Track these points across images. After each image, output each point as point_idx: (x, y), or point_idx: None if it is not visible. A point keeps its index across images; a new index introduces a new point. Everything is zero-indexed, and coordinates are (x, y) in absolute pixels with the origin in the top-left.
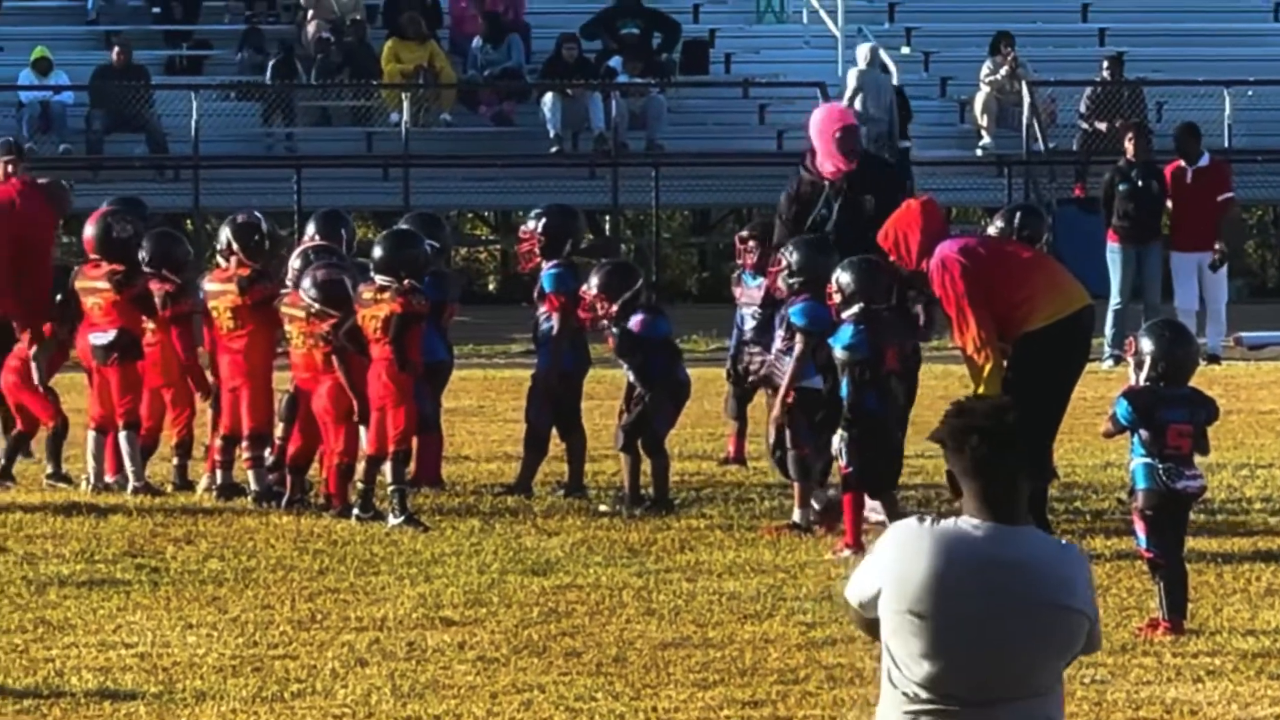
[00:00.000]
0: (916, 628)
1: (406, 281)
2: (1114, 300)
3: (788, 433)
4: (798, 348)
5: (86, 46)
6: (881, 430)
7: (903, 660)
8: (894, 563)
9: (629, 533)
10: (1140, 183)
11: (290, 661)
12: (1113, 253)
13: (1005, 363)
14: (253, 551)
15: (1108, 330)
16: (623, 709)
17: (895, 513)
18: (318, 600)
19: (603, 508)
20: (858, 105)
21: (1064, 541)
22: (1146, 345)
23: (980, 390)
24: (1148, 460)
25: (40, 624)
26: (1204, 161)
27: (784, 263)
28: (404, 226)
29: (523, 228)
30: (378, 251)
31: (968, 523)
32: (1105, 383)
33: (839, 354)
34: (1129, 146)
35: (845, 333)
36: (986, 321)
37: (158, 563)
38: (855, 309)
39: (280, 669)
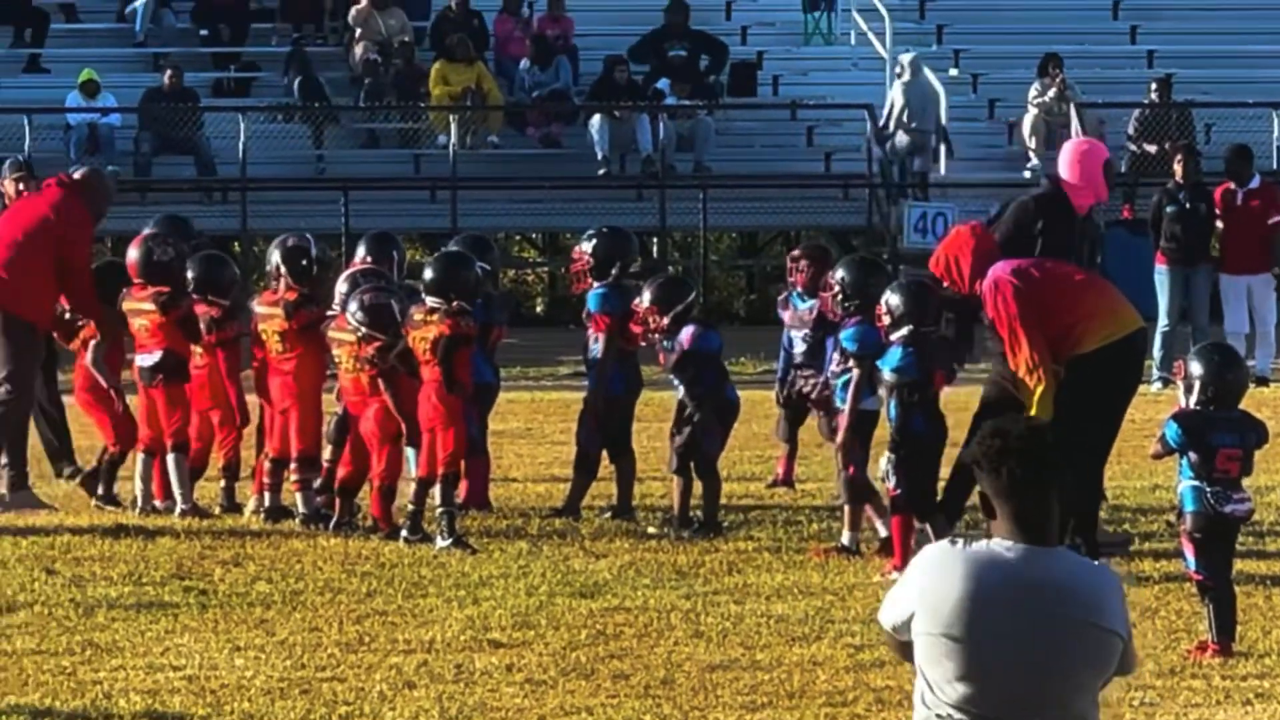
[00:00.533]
0: (949, 650)
1: (455, 303)
2: (1162, 322)
3: (840, 454)
4: (855, 372)
5: (134, 69)
6: (929, 453)
7: (936, 683)
8: (926, 586)
9: (677, 555)
10: (1189, 205)
11: (338, 684)
12: (1160, 275)
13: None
14: (300, 574)
15: (1155, 353)
16: None
17: (943, 535)
18: (365, 623)
19: (651, 530)
20: (901, 116)
21: (1097, 562)
22: (1196, 369)
23: (1032, 412)
24: (1196, 483)
25: (88, 646)
26: (1254, 184)
27: (835, 285)
28: (455, 248)
29: (576, 249)
30: (429, 273)
31: (1000, 544)
32: (1154, 405)
33: (887, 376)
34: (1178, 168)
35: (894, 355)
36: (1039, 343)
37: (205, 585)
38: (904, 331)
39: (328, 691)
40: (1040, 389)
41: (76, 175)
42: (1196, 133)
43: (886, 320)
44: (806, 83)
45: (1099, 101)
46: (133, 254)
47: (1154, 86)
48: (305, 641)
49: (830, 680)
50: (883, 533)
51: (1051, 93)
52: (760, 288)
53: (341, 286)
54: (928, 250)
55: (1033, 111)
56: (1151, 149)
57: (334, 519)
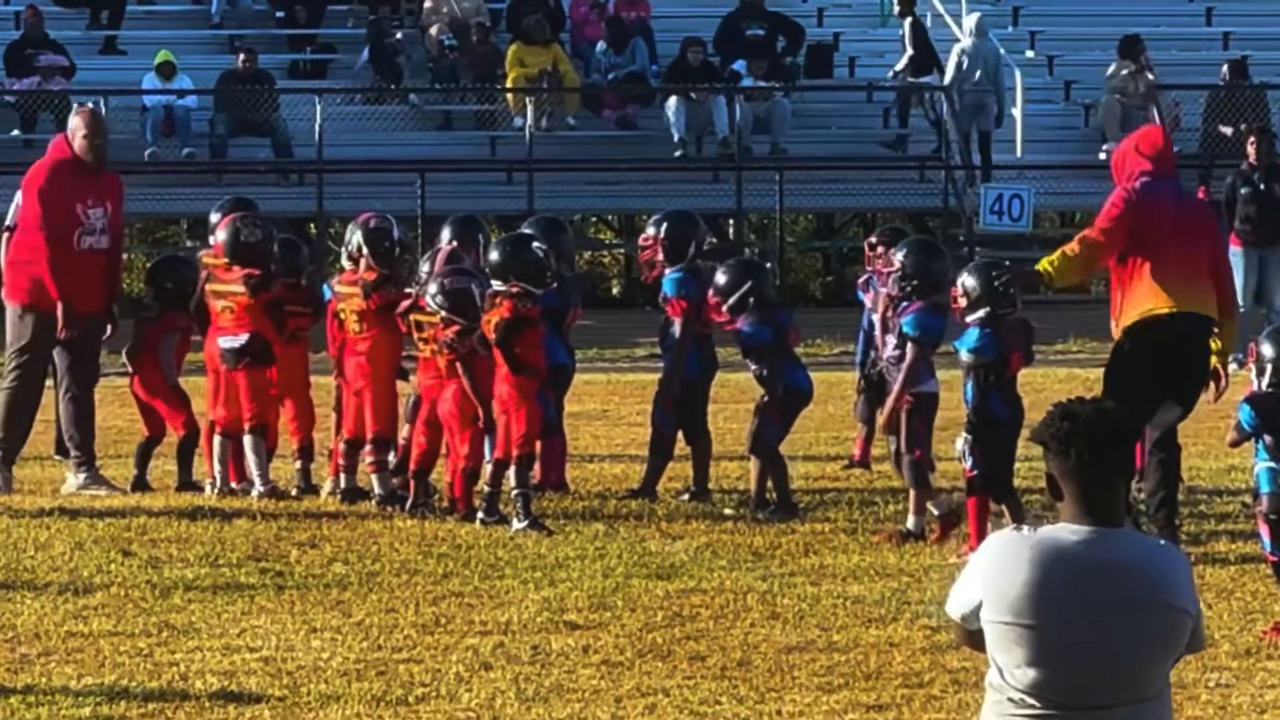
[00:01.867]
0: (1019, 636)
1: (514, 286)
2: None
3: (902, 437)
4: (909, 356)
5: (210, 51)
6: (1006, 434)
7: (1007, 668)
8: (993, 573)
9: (753, 537)
10: (1263, 186)
11: (415, 665)
12: (1235, 256)
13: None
14: (377, 555)
15: None
16: (747, 713)
17: (1020, 516)
18: (442, 604)
19: (728, 511)
20: (961, 76)
21: (1163, 541)
22: (1268, 351)
23: (1043, 265)
24: (1272, 465)
25: (165, 628)
26: None
27: (896, 265)
28: (523, 231)
29: (643, 235)
30: (492, 256)
31: (1065, 529)
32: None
33: (964, 356)
34: (1251, 150)
35: (971, 336)
36: (1102, 238)
37: (282, 566)
38: (981, 313)
39: (404, 673)
40: (1069, 251)
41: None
42: (1271, 115)
43: (963, 302)
44: (883, 64)
45: (1175, 83)
46: (220, 235)
47: (1226, 68)
48: (381, 623)
49: (906, 662)
50: (910, 523)
51: (1125, 72)
52: (836, 269)
53: (424, 267)
54: (1003, 232)
55: (1109, 93)
56: (1227, 130)
57: (409, 500)
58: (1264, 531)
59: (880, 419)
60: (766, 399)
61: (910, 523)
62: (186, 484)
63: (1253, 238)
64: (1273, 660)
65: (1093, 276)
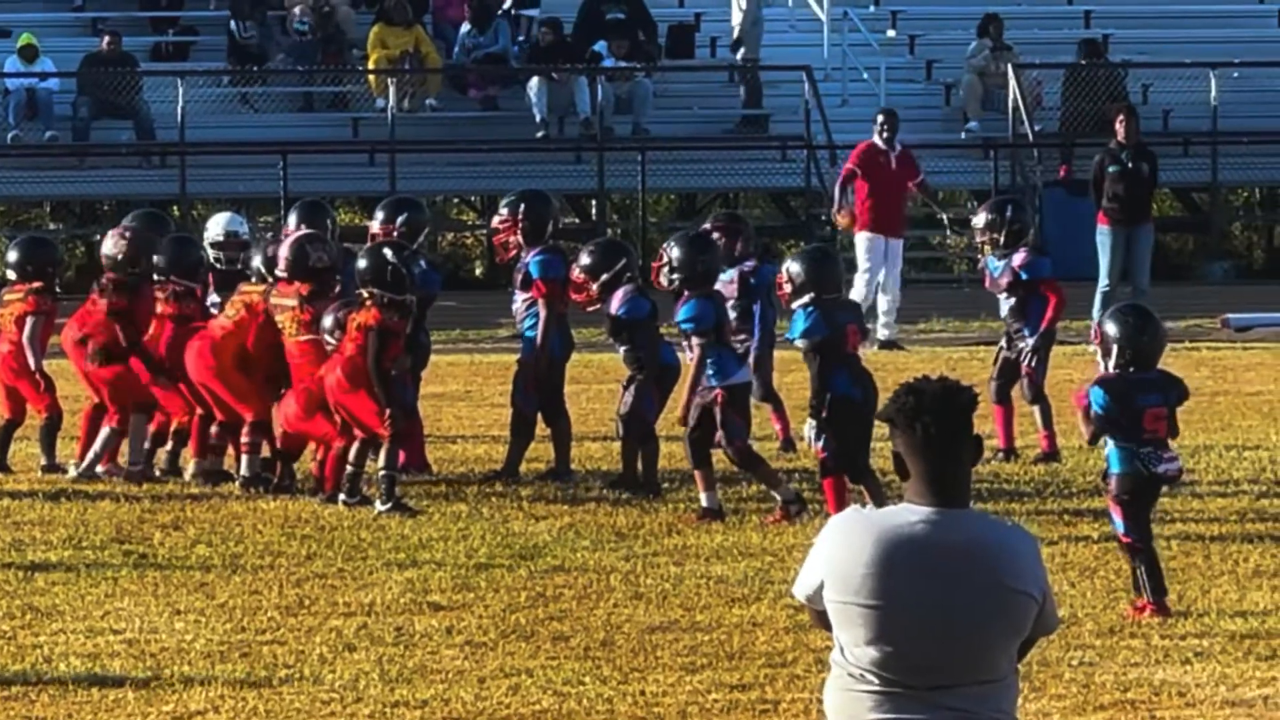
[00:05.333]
0: (860, 615)
1: (384, 295)
2: (1102, 283)
3: (721, 429)
4: (695, 350)
5: (72, 33)
6: (860, 414)
7: (848, 646)
8: (836, 553)
9: (616, 517)
10: (1130, 165)
11: (278, 647)
12: (1102, 235)
13: None
14: (240, 537)
15: (1095, 313)
16: (610, 693)
17: (880, 496)
18: (305, 586)
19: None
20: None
21: (1010, 523)
22: (1112, 331)
23: None
24: (1125, 445)
25: (28, 610)
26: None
27: (665, 258)
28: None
29: (498, 217)
30: (359, 264)
31: (908, 509)
32: (1093, 365)
33: (798, 343)
34: (1119, 129)
35: (798, 319)
36: None
37: (145, 549)
38: (806, 298)
39: (268, 654)
40: None
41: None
42: (1132, 93)
43: (788, 288)
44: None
45: (1036, 62)
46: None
47: (1085, 47)
48: (245, 605)
49: (769, 641)
50: (704, 502)
51: (985, 51)
52: None
53: (284, 252)
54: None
55: (970, 73)
56: (1089, 109)
57: (274, 481)
58: (1115, 513)
59: (678, 411)
60: (640, 377)
61: (704, 499)
62: (51, 467)
63: (1120, 216)
64: (1135, 639)
65: (964, 255)
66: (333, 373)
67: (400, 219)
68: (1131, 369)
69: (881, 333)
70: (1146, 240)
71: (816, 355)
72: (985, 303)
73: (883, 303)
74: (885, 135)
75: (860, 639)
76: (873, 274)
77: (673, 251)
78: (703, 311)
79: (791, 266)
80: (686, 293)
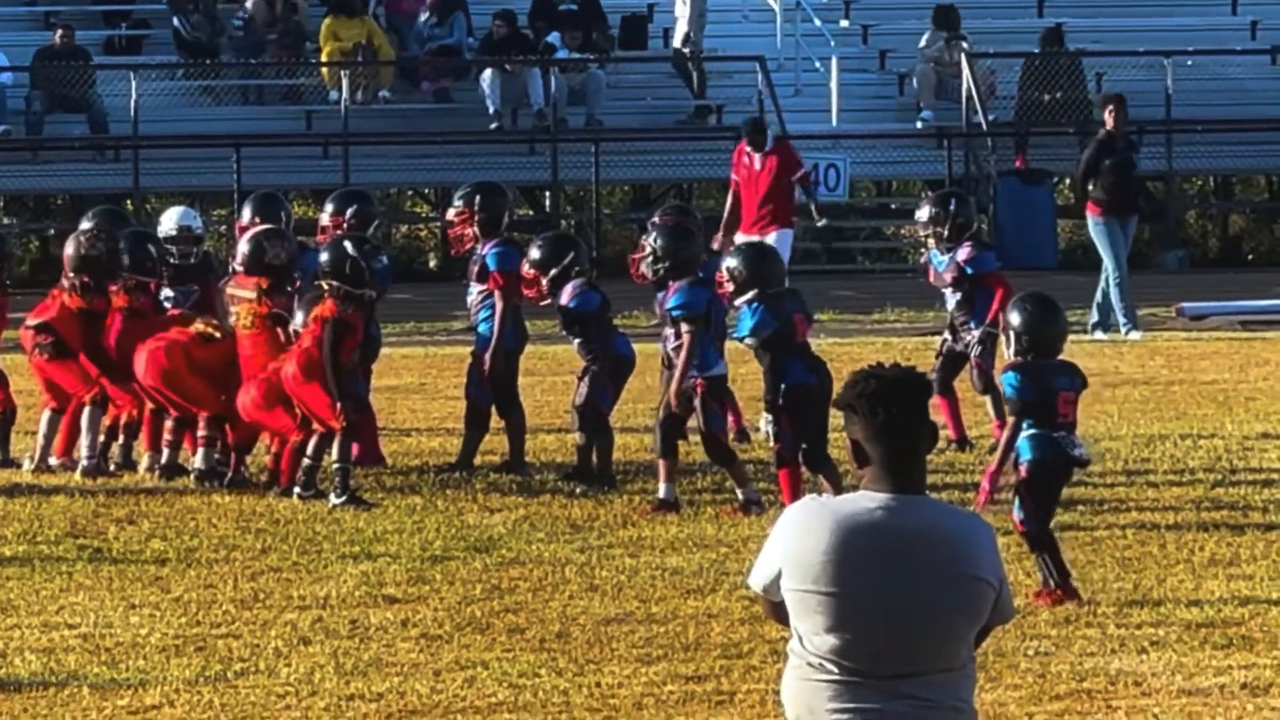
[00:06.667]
0: (818, 604)
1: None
2: (1113, 274)
3: (701, 419)
4: (685, 338)
5: (25, 27)
6: (817, 401)
7: (806, 635)
8: (793, 541)
9: (571, 509)
10: (1122, 155)
11: (233, 641)
12: (1097, 225)
13: None
14: (195, 531)
15: (1117, 303)
16: (566, 685)
17: (838, 483)
18: (260, 579)
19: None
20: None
21: (967, 511)
22: (1015, 320)
23: None
24: (1040, 430)
25: None
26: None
27: (647, 249)
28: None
29: (452, 210)
30: (322, 257)
31: (866, 496)
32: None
33: (748, 341)
34: (1109, 119)
35: (744, 317)
36: None
37: (100, 543)
38: (749, 294)
39: (223, 648)
40: None
41: None
42: (1088, 81)
43: (730, 286)
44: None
45: (990, 51)
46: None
47: (1041, 35)
48: (200, 599)
49: (725, 633)
50: (661, 493)
51: (939, 41)
52: None
53: (243, 247)
54: (820, 202)
55: (924, 62)
56: (1047, 97)
57: (229, 476)
58: (1019, 501)
59: (666, 399)
60: (594, 369)
61: (661, 490)
62: (5, 462)
63: (1114, 207)
64: (1091, 628)
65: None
66: (289, 364)
67: (350, 210)
68: (1031, 356)
69: None
70: (1131, 231)
71: (767, 350)
72: (939, 293)
73: None
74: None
75: (819, 627)
76: None
77: (657, 242)
78: (694, 298)
79: (731, 264)
80: (675, 281)
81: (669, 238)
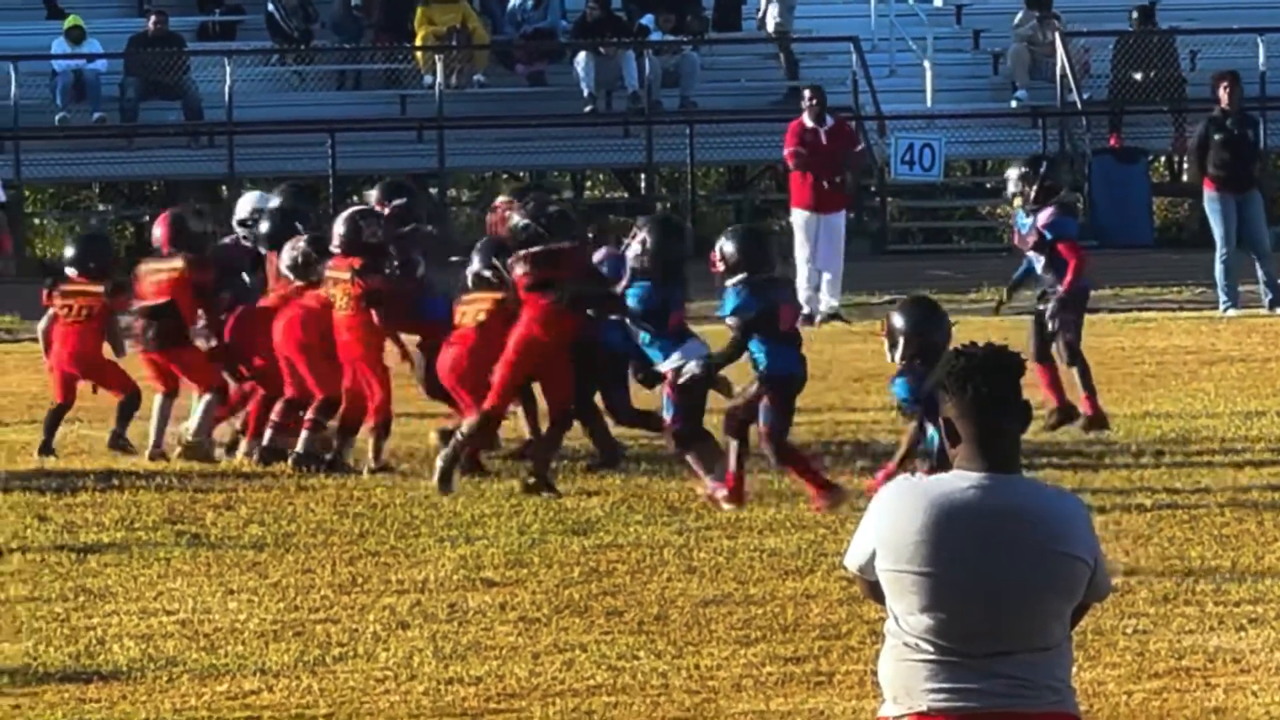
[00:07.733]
0: (912, 583)
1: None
2: (1220, 250)
3: (671, 410)
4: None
5: (119, 14)
6: (793, 389)
7: (901, 615)
8: (886, 521)
9: (669, 491)
10: (1236, 131)
11: (332, 625)
12: (1211, 201)
13: None
14: (292, 516)
15: (1220, 279)
16: (665, 667)
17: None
18: (358, 564)
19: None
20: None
21: (1060, 488)
22: (900, 323)
23: None
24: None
25: (81, 592)
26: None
27: (637, 243)
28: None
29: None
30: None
31: (959, 475)
32: (1214, 330)
33: (729, 321)
34: (1224, 95)
35: (729, 298)
36: None
37: (198, 529)
38: (739, 277)
39: (322, 633)
40: None
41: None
42: (1181, 60)
43: (721, 267)
44: (792, 16)
45: (1083, 30)
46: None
47: (1134, 14)
48: (298, 584)
49: (823, 613)
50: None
51: (1033, 20)
52: (748, 222)
53: (339, 228)
54: (915, 182)
55: (1018, 42)
56: (1137, 76)
57: (331, 459)
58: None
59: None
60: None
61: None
62: (125, 446)
63: (1228, 183)
64: (1189, 605)
65: (1004, 225)
66: (452, 352)
67: (395, 201)
68: (918, 361)
69: (825, 305)
70: (1258, 206)
71: (748, 333)
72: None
73: (825, 277)
74: (816, 112)
75: (914, 607)
76: (813, 250)
77: (645, 235)
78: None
79: (724, 246)
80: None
81: (658, 233)
